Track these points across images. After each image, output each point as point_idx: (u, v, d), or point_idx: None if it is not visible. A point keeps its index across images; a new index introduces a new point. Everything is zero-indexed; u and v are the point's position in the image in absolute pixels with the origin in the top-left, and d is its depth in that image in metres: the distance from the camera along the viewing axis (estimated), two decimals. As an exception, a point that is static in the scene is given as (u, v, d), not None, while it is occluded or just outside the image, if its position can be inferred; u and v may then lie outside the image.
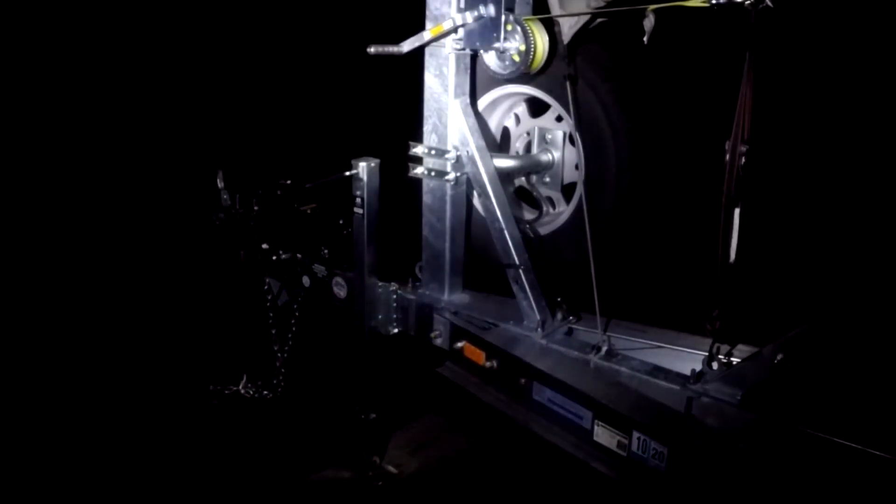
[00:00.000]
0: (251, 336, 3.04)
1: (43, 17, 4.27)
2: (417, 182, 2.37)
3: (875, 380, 1.91)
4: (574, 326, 2.26)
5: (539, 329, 2.18)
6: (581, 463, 1.90)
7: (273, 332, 2.89)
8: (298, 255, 2.75)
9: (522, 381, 2.06)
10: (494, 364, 2.16)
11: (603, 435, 1.85)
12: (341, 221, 2.58)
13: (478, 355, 2.21)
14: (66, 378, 3.09)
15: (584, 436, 1.89)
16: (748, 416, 1.75)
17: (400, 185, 2.40)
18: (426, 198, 2.36)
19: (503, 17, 2.14)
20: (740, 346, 2.00)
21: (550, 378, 1.99)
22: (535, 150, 2.84)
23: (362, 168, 2.31)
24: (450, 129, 2.26)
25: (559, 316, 2.25)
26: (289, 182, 2.70)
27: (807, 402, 1.81)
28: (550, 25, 2.28)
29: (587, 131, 2.56)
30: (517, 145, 2.94)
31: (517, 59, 2.22)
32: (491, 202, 2.23)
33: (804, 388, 1.88)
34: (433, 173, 2.31)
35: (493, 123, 2.95)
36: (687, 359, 2.07)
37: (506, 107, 2.94)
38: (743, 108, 1.71)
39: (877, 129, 2.92)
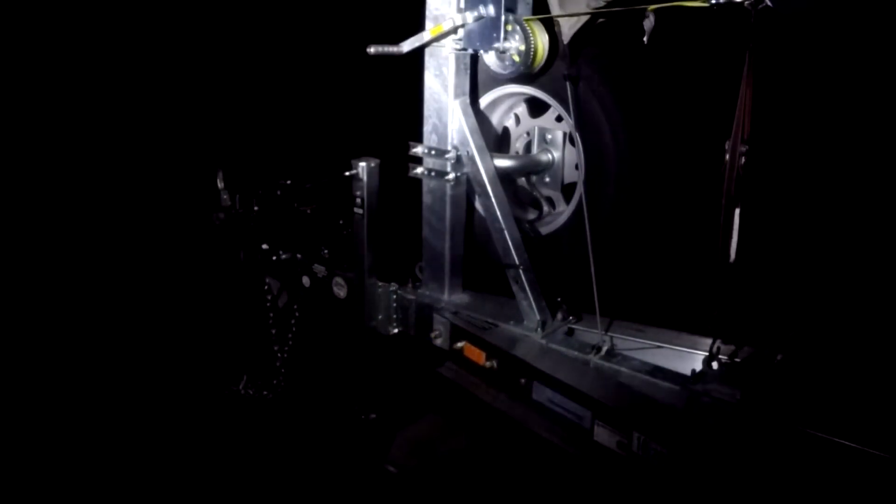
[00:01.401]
0: (251, 336, 3.04)
1: (43, 17, 4.27)
2: (417, 182, 2.37)
3: (875, 379, 1.91)
4: (574, 326, 2.26)
5: (539, 329, 2.18)
6: (581, 463, 1.91)
7: (273, 332, 2.88)
8: (298, 255, 2.75)
9: (522, 381, 2.06)
10: (494, 364, 2.16)
11: (603, 435, 1.85)
12: (341, 221, 2.58)
13: (478, 355, 2.21)
14: (66, 378, 3.08)
15: (584, 436, 1.89)
16: (748, 416, 1.75)
17: (400, 185, 2.40)
18: (426, 198, 2.36)
19: (503, 17, 2.14)
20: (741, 346, 2.00)
21: (550, 378, 1.99)
22: (535, 150, 2.84)
23: (362, 168, 2.31)
24: (450, 129, 2.26)
25: (559, 316, 2.25)
26: (289, 182, 2.70)
27: (807, 401, 1.81)
28: (550, 25, 2.28)
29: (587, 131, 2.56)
30: (517, 145, 2.94)
31: (517, 59, 2.22)
32: (491, 202, 2.23)
33: (804, 388, 1.88)
34: (433, 173, 2.31)
35: (493, 123, 2.95)
36: (687, 359, 2.07)
37: (506, 107, 2.93)
38: (743, 108, 1.71)
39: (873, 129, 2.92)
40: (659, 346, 2.15)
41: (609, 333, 2.15)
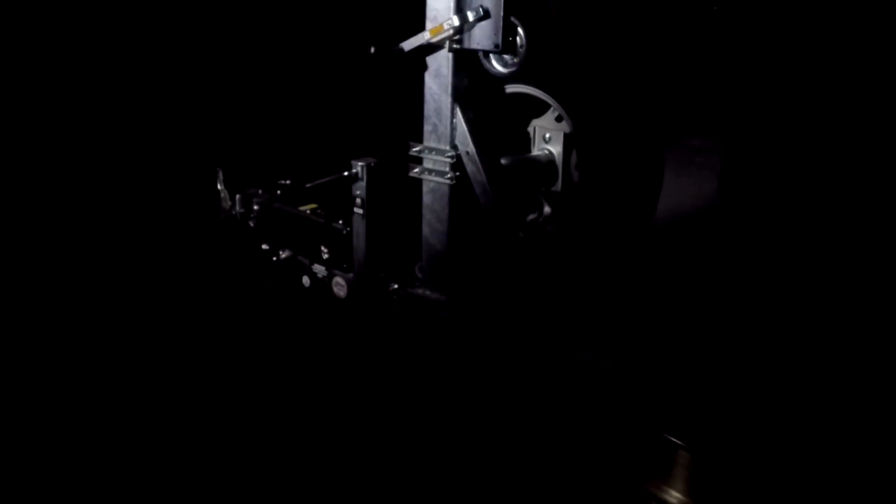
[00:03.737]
0: (250, 336, 3.05)
1: (43, 17, 4.27)
2: (417, 182, 2.37)
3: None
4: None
5: None
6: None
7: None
8: (298, 256, 2.75)
9: None
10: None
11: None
12: (341, 221, 2.58)
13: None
14: (65, 378, 3.09)
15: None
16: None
17: (400, 185, 2.40)
18: (426, 198, 2.36)
19: (503, 17, 2.14)
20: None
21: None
22: (535, 150, 2.85)
23: (362, 168, 2.31)
24: (450, 129, 2.26)
25: None
26: (289, 182, 2.70)
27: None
28: (550, 25, 2.28)
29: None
30: (517, 145, 2.93)
31: (517, 59, 2.22)
32: (491, 202, 2.23)
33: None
34: (433, 173, 2.31)
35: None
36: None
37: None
38: None
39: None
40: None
41: None
